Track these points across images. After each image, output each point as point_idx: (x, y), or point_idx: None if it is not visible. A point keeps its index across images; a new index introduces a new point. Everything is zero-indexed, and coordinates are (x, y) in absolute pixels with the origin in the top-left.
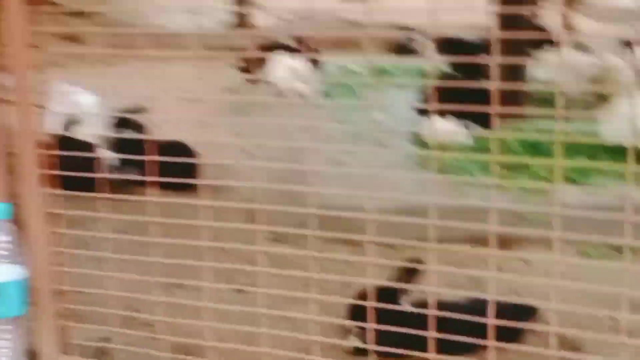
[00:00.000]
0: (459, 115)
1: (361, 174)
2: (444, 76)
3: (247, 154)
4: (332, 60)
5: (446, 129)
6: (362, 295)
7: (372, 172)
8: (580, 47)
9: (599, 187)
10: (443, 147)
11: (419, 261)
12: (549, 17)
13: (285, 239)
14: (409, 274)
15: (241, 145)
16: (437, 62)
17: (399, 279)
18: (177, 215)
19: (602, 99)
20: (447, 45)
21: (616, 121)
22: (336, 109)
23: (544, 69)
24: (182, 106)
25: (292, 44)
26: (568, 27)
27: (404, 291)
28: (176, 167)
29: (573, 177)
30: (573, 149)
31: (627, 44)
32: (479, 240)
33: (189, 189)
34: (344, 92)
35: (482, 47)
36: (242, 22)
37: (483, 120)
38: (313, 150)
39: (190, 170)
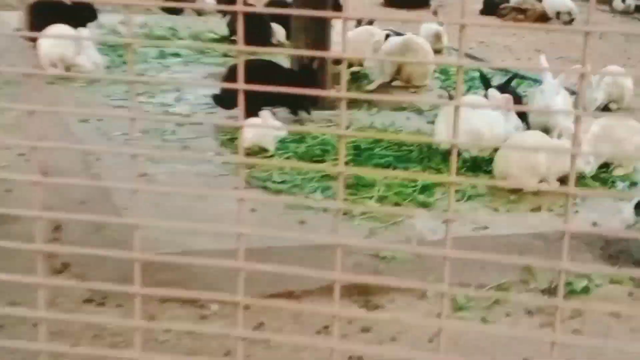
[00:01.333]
0: (268, 101)
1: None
2: (225, 41)
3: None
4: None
5: (260, 124)
6: None
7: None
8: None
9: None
10: (261, 152)
11: None
12: None
13: (105, 300)
14: None
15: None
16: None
17: None
18: None
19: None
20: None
21: (451, 122)
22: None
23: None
24: None
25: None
26: None
27: None
28: None
29: (414, 196)
30: (402, 155)
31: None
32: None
33: None
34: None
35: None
36: None
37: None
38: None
39: None
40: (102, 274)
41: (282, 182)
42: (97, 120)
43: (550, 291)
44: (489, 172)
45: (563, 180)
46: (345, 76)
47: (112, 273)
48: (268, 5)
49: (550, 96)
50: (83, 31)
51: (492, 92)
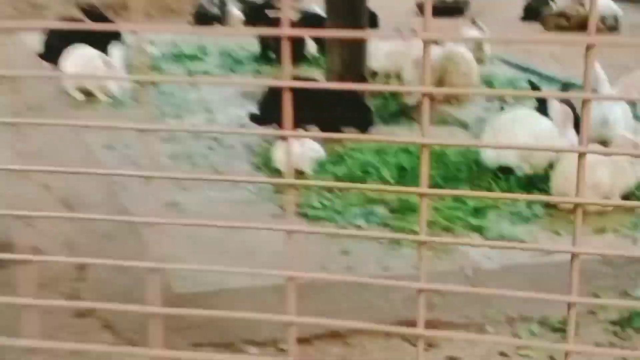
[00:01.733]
0: (306, 120)
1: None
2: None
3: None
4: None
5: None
6: None
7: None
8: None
9: (507, 238)
10: (296, 174)
11: None
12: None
13: (130, 341)
14: None
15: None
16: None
17: None
18: None
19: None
20: (255, 15)
21: (500, 140)
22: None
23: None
24: None
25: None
26: None
27: None
28: None
29: (466, 219)
30: (449, 174)
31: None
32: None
33: None
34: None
35: (297, 23)
36: None
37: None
38: (133, 180)
39: None
40: (127, 318)
41: (322, 206)
42: (124, 146)
43: (622, 323)
44: (544, 191)
45: (627, 197)
46: (427, 119)
47: (139, 316)
48: (301, 19)
49: (608, 106)
50: (110, 52)
51: (552, 103)
